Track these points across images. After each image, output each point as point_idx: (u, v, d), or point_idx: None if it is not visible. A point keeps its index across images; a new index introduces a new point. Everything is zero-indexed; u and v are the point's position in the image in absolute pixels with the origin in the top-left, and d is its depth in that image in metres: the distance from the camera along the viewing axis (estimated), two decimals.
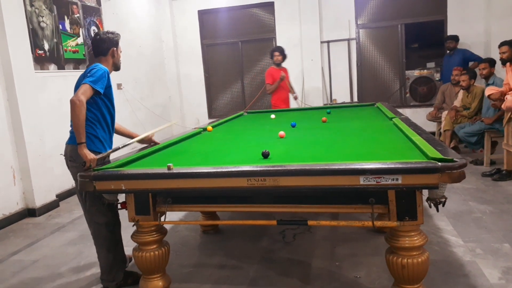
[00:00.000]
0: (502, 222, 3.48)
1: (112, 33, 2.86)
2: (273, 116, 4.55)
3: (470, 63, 6.60)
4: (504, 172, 4.70)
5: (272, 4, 7.75)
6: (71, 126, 2.64)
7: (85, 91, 2.52)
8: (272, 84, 5.93)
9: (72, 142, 2.68)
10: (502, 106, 4.63)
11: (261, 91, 6.82)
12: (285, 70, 6.04)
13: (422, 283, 2.12)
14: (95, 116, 2.71)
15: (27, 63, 4.63)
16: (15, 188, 4.52)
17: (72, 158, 2.70)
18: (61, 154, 2.91)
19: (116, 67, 2.91)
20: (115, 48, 2.83)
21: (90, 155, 2.46)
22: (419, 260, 2.04)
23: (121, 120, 6.62)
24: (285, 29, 7.71)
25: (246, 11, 8.05)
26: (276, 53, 5.99)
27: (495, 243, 3.08)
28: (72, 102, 2.46)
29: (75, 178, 2.62)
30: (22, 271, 3.23)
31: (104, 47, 2.81)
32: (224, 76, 8.42)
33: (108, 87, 2.74)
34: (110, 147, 2.86)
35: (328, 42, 7.58)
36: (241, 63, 8.25)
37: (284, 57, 6.02)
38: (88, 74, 2.60)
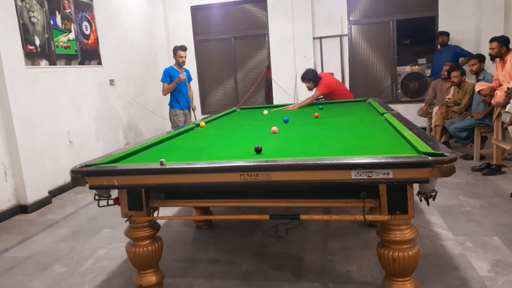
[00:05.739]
0: (491, 215, 3.53)
1: (175, 48, 5.61)
2: (266, 112, 4.57)
3: (460, 59, 6.65)
4: (493, 166, 4.76)
5: (265, 0, 7.74)
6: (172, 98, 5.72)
7: (163, 86, 5.62)
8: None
9: (170, 106, 5.77)
10: (492, 101, 4.67)
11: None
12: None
13: (413, 276, 2.15)
14: (175, 91, 5.68)
15: (18, 58, 4.58)
16: (7, 185, 4.49)
17: (171, 113, 5.79)
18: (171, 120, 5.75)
19: (178, 65, 5.63)
20: (174, 55, 5.62)
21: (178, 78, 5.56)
22: (410, 253, 2.06)
23: (114, 116, 6.60)
24: (278, 25, 7.71)
25: (239, 7, 8.04)
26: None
27: (484, 236, 3.13)
28: (164, 95, 5.75)
29: (176, 122, 5.71)
30: (14, 268, 3.22)
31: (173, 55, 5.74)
32: (217, 72, 8.41)
33: (172, 77, 5.55)
34: (186, 106, 5.83)
35: (320, 38, 7.60)
36: (234, 59, 8.24)
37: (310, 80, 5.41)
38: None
